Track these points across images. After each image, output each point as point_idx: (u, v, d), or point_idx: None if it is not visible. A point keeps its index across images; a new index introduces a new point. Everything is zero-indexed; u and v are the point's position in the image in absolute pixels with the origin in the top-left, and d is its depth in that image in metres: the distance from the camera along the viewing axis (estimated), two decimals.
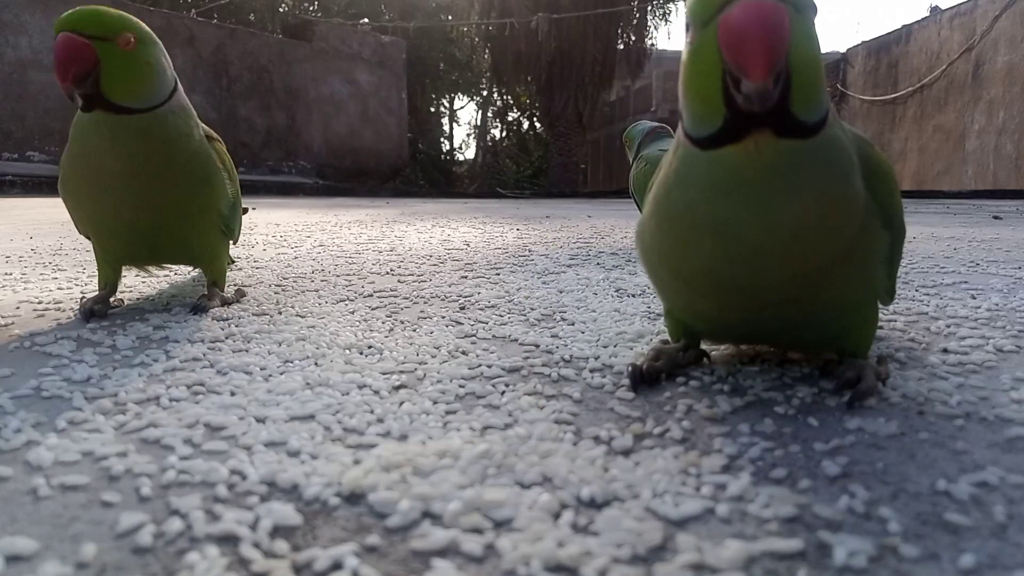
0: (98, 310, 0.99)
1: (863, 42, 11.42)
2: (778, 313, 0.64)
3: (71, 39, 0.86)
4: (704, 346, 0.75)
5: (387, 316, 1.03)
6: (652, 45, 14.54)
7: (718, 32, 0.50)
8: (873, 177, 0.62)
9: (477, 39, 14.60)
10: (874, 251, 0.63)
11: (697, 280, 0.62)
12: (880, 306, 0.71)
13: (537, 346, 0.84)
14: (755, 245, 0.56)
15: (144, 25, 0.94)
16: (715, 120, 0.54)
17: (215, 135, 1.09)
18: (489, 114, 20.86)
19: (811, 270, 0.59)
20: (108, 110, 0.91)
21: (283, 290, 1.27)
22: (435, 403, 0.63)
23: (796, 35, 0.50)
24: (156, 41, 0.96)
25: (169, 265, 1.19)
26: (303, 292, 1.24)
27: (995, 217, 3.86)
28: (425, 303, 1.15)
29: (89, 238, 1.06)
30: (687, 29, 0.55)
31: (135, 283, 1.29)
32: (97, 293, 1.05)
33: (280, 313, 1.04)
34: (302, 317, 1.01)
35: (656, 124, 2.08)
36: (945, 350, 0.81)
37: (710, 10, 0.52)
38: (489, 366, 0.75)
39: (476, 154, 20.45)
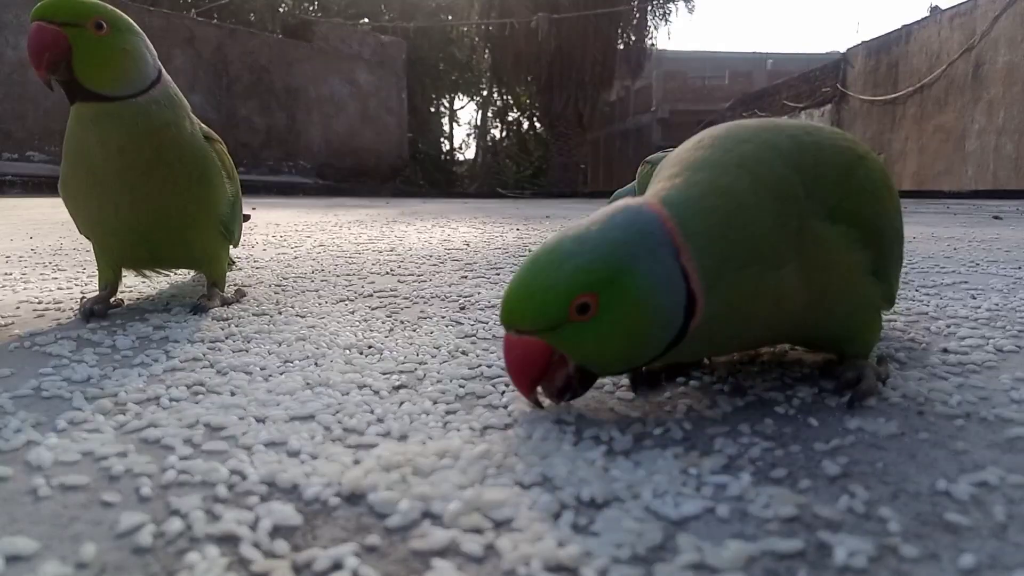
0: (98, 310, 0.99)
1: (863, 42, 11.41)
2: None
3: (41, 27, 0.88)
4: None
5: (387, 316, 1.03)
6: (652, 45, 14.55)
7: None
8: (853, 192, 0.63)
9: (477, 39, 14.61)
10: (852, 265, 0.63)
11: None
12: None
13: None
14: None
15: (121, 13, 0.94)
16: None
17: (215, 136, 1.09)
18: (489, 114, 20.86)
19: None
20: (87, 99, 0.92)
21: (283, 290, 1.27)
22: (435, 403, 0.63)
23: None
24: (136, 30, 0.96)
25: (170, 270, 1.19)
26: (303, 292, 1.24)
27: (995, 217, 3.86)
28: (425, 303, 1.15)
29: (90, 239, 1.06)
30: None
31: (135, 283, 1.29)
32: (97, 293, 1.05)
33: (280, 313, 1.04)
34: (302, 317, 1.01)
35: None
36: (945, 350, 0.81)
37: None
38: (489, 366, 0.75)
39: (476, 154, 20.45)
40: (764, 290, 0.57)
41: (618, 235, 0.55)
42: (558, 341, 0.55)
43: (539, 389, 0.59)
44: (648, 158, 2.07)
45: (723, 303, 0.56)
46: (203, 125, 1.07)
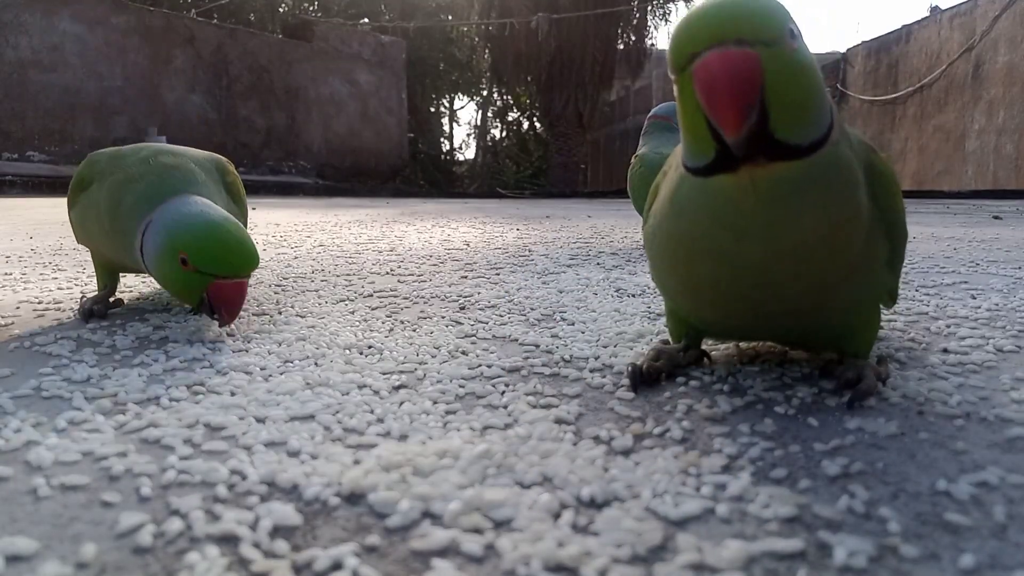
0: (97, 310, 0.99)
1: (863, 42, 11.42)
2: (785, 320, 0.65)
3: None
4: (704, 346, 0.75)
5: (387, 316, 1.03)
6: (652, 45, 14.53)
7: (694, 81, 0.52)
8: (876, 184, 0.62)
9: (477, 39, 14.61)
10: (876, 257, 0.63)
11: (703, 293, 0.63)
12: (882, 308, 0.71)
13: (537, 346, 0.84)
14: (759, 268, 0.57)
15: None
16: (708, 152, 0.54)
17: (223, 160, 1.08)
18: (489, 114, 20.85)
19: (817, 285, 0.59)
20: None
21: (283, 290, 1.27)
22: (435, 403, 0.63)
23: (771, 70, 0.51)
24: None
25: None
26: (303, 292, 1.24)
27: (995, 217, 3.86)
28: (425, 303, 1.15)
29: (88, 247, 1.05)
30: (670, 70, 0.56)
31: (135, 283, 1.29)
32: (96, 293, 1.05)
33: (280, 313, 1.04)
34: (302, 317, 1.01)
35: (663, 111, 2.05)
36: (945, 350, 0.81)
37: (683, 58, 0.53)
38: (489, 366, 0.75)
39: (476, 154, 20.44)
40: (853, 183, 0.57)
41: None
42: (773, 60, 0.50)
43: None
44: (640, 152, 2.06)
45: (841, 140, 0.57)
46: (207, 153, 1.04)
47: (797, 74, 0.53)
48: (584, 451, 0.52)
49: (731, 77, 0.49)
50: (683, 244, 0.61)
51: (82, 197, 1.00)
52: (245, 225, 1.13)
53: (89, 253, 1.14)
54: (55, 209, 3.68)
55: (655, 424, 0.58)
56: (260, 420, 0.59)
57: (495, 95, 19.23)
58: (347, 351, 0.82)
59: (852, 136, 0.63)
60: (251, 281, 1.36)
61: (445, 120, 22.42)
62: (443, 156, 21.33)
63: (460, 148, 24.46)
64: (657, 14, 14.37)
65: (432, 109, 20.66)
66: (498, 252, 1.97)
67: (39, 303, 1.11)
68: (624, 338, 0.88)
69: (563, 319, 1.00)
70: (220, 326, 0.89)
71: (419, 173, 17.02)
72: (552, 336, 0.89)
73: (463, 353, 0.81)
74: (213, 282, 0.84)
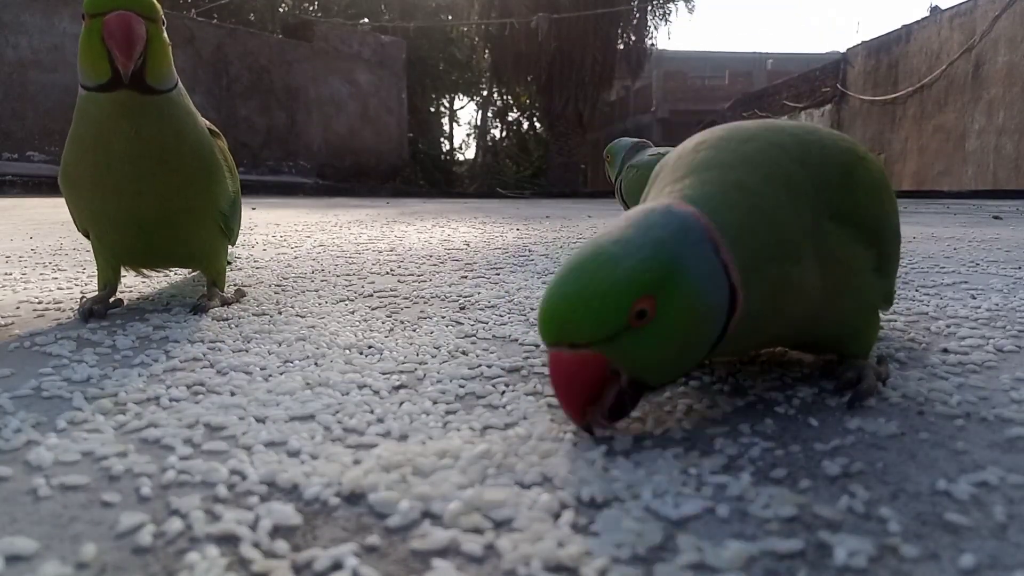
0: (97, 310, 0.99)
1: (863, 42, 11.41)
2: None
3: (135, 18, 0.88)
4: None
5: (387, 316, 1.03)
6: (652, 45, 14.55)
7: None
8: (855, 191, 0.63)
9: (477, 39, 14.61)
10: (861, 268, 0.63)
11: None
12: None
13: (537, 346, 0.84)
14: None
15: None
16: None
17: (217, 131, 1.10)
18: (489, 114, 20.85)
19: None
20: (141, 91, 0.92)
21: (283, 290, 1.27)
22: (435, 403, 0.63)
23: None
24: None
25: (166, 268, 1.19)
26: (303, 292, 1.24)
27: (995, 217, 3.86)
28: (425, 303, 1.15)
29: (88, 236, 1.06)
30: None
31: (135, 283, 1.29)
32: (96, 293, 1.05)
33: (280, 313, 1.04)
34: (302, 317, 1.01)
35: (636, 140, 2.14)
36: (945, 350, 0.81)
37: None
38: (489, 366, 0.75)
39: (476, 154, 20.44)
40: (789, 284, 0.56)
41: (661, 234, 0.52)
42: (616, 352, 0.50)
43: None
44: (612, 148, 2.13)
45: (757, 298, 0.54)
46: (206, 120, 1.08)
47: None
48: (584, 451, 0.52)
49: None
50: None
51: None
52: (239, 199, 1.14)
53: (90, 253, 1.14)
54: (55, 209, 3.68)
55: (655, 424, 0.58)
56: (260, 420, 0.59)
57: (495, 95, 19.24)
58: (347, 351, 0.82)
59: (827, 135, 0.65)
60: (251, 281, 1.36)
61: (445, 120, 22.43)
62: (443, 156, 21.33)
63: (460, 148, 24.47)
64: (657, 14, 14.38)
65: (432, 109, 20.66)
66: (498, 252, 1.97)
67: (39, 303, 1.11)
68: None
69: None
70: (122, 72, 0.90)
71: (419, 173, 17.01)
72: None
73: (463, 353, 0.81)
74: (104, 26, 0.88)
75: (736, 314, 0.54)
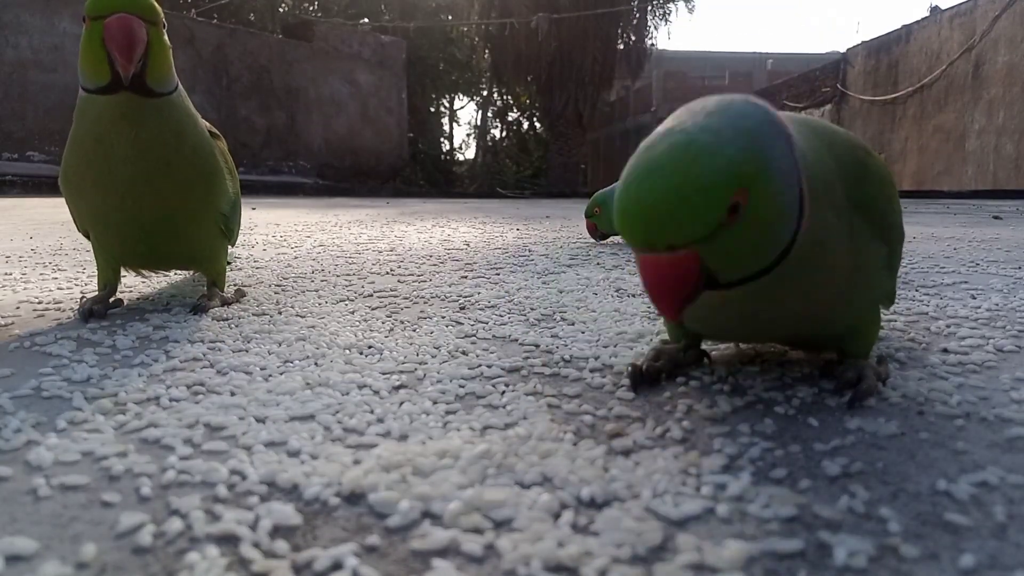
0: (97, 310, 0.99)
1: (863, 42, 11.42)
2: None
3: (135, 21, 0.88)
4: (704, 346, 0.75)
5: (387, 316, 1.03)
6: (652, 45, 14.55)
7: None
8: (868, 184, 0.62)
9: (477, 39, 14.61)
10: (874, 263, 0.63)
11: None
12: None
13: (537, 346, 0.84)
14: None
15: None
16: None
17: (217, 132, 1.10)
18: (489, 114, 20.85)
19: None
20: (141, 94, 0.93)
21: (283, 290, 1.27)
22: (435, 403, 0.63)
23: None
24: None
25: (167, 269, 1.19)
26: (303, 292, 1.24)
27: (995, 217, 3.86)
28: (425, 303, 1.15)
29: (88, 236, 1.06)
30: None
31: (135, 283, 1.29)
32: (96, 293, 1.05)
33: (280, 313, 1.04)
34: (302, 317, 1.01)
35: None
36: (945, 350, 0.81)
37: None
38: (489, 366, 0.75)
39: (476, 154, 20.44)
40: (831, 239, 0.55)
41: (750, 124, 0.48)
42: (710, 251, 0.48)
43: None
44: (600, 198, 2.14)
45: (813, 226, 0.52)
46: (206, 122, 1.08)
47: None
48: (584, 451, 0.52)
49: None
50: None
51: None
52: (239, 200, 1.14)
53: (90, 253, 1.14)
54: (55, 209, 3.68)
55: (655, 424, 0.58)
56: (260, 420, 0.59)
57: (495, 95, 19.24)
58: (347, 351, 0.82)
59: (813, 125, 0.63)
60: (251, 281, 1.36)
61: (445, 120, 22.42)
62: (443, 156, 21.33)
63: (460, 148, 24.47)
64: (657, 14, 14.38)
65: (432, 109, 20.66)
66: (498, 252, 1.97)
67: (39, 303, 1.11)
68: (624, 338, 0.88)
69: (563, 319, 1.00)
70: (123, 75, 0.89)
71: (419, 173, 17.02)
72: (552, 336, 0.89)
73: (463, 353, 0.81)
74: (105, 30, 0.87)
75: (802, 227, 0.51)
